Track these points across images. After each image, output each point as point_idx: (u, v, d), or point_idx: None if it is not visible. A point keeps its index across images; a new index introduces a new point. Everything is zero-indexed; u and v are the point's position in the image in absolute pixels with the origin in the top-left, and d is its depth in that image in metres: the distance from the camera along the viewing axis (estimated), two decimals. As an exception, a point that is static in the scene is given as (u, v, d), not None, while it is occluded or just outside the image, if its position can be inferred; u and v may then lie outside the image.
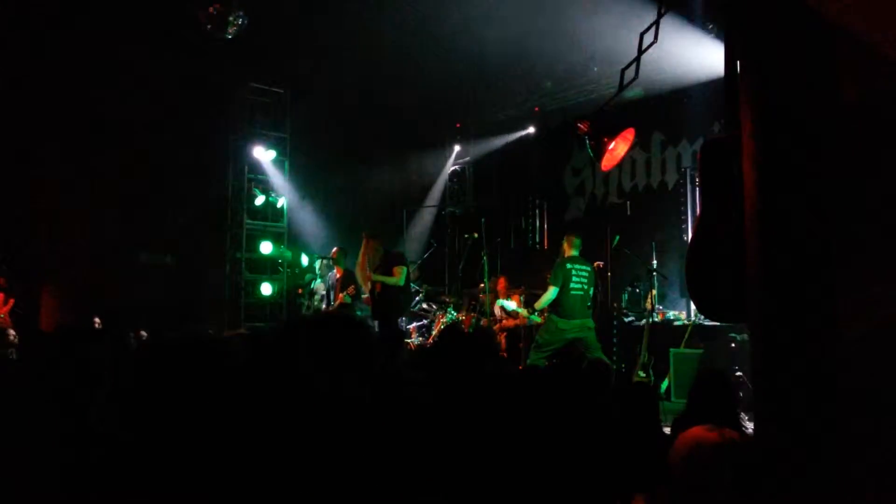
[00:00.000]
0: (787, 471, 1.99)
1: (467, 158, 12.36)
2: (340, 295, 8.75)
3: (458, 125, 11.96)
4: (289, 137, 11.56)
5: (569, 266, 7.29)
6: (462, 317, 9.29)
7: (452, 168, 12.35)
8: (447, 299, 9.89)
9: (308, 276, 10.64)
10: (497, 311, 9.07)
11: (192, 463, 2.11)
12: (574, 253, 7.41)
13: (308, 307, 9.90)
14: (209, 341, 2.16)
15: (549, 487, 2.51)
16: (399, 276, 7.71)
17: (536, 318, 8.17)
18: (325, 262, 9.81)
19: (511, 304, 8.71)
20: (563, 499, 2.54)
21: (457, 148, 12.15)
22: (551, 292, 7.24)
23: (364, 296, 8.34)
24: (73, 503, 2.13)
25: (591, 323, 7.40)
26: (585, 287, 7.35)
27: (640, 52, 4.06)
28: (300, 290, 10.56)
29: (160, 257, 10.35)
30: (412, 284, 8.98)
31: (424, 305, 9.64)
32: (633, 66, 4.15)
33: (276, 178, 11.49)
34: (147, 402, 2.20)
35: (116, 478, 2.03)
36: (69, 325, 6.13)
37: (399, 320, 8.33)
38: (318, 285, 9.85)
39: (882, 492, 1.83)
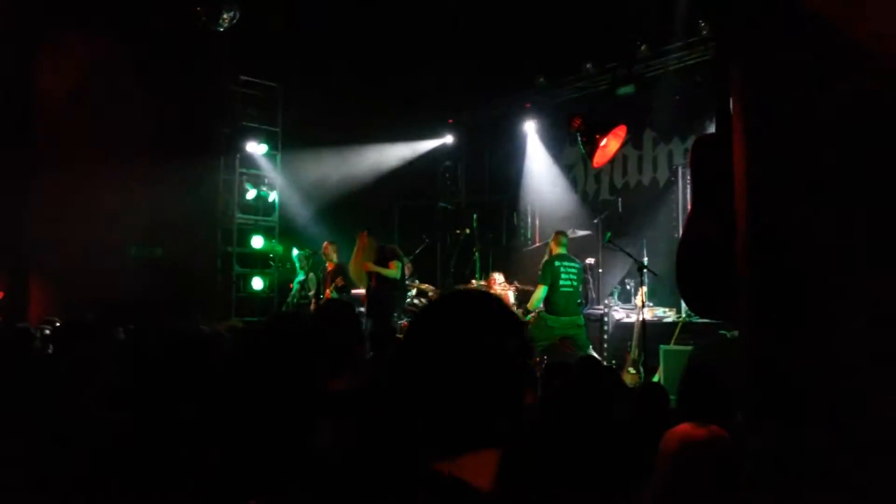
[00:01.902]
0: (775, 468, 2.00)
1: (459, 154, 12.34)
2: (328, 290, 8.72)
3: (450, 121, 11.93)
4: (281, 131, 11.53)
5: (557, 264, 7.30)
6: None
7: (445, 163, 12.32)
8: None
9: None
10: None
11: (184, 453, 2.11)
12: (562, 251, 7.42)
13: (293, 302, 9.83)
14: (198, 338, 2.16)
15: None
16: (395, 269, 7.72)
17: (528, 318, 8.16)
18: (304, 255, 9.77)
19: (504, 303, 8.69)
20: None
21: (449, 142, 12.11)
22: (541, 291, 7.25)
23: (359, 291, 8.30)
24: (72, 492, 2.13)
25: (580, 320, 7.41)
26: (575, 284, 7.37)
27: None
28: (291, 285, 10.53)
29: (150, 250, 10.29)
30: (406, 280, 8.96)
31: (416, 301, 9.62)
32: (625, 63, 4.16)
33: (268, 172, 11.47)
34: (139, 395, 2.20)
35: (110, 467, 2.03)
36: (50, 319, 6.06)
37: (393, 316, 8.28)
38: (303, 278, 9.76)
39: (871, 489, 1.84)
